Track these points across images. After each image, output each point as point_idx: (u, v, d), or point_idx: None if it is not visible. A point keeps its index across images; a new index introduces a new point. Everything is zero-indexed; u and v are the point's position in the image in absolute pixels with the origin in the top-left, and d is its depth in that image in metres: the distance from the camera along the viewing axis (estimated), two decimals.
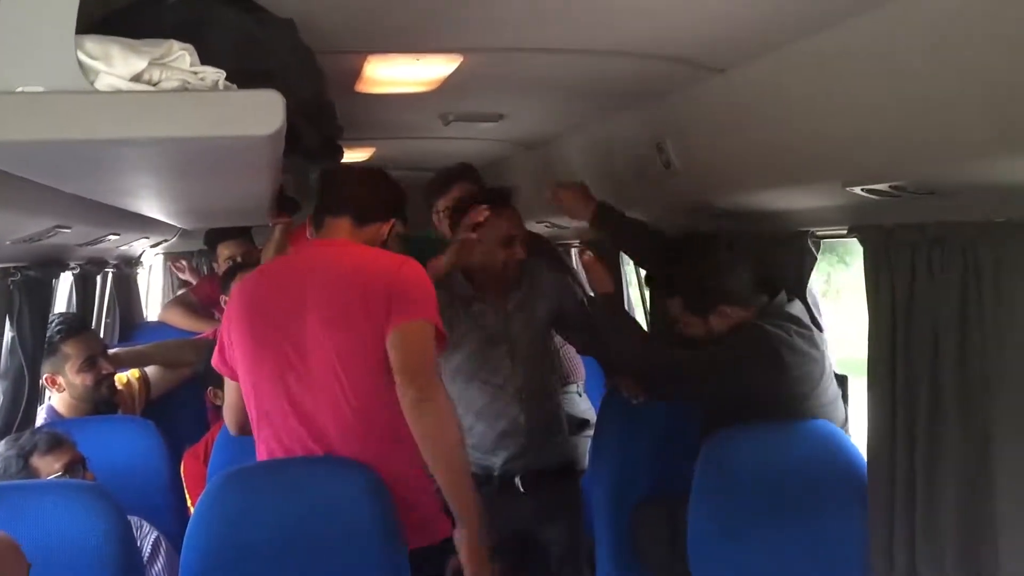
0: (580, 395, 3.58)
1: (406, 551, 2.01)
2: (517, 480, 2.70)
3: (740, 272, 2.47)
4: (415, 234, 3.25)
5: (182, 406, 3.44)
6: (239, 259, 4.00)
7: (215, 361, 2.29)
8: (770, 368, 2.34)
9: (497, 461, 2.71)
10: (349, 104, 2.53)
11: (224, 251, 4.10)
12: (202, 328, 3.90)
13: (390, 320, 2.05)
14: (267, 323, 2.15)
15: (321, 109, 1.68)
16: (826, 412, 2.43)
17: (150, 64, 1.21)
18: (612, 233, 2.92)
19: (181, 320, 4.08)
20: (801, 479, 2.30)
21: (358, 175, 2.41)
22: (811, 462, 2.31)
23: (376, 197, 2.31)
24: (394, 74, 2.18)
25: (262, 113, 1.20)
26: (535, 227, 3.95)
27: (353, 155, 3.83)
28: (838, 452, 2.33)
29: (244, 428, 2.30)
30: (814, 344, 2.39)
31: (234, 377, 2.25)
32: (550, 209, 3.88)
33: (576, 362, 3.55)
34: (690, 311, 2.51)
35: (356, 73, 2.20)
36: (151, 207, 2.69)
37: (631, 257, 3.38)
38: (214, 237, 4.18)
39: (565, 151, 3.27)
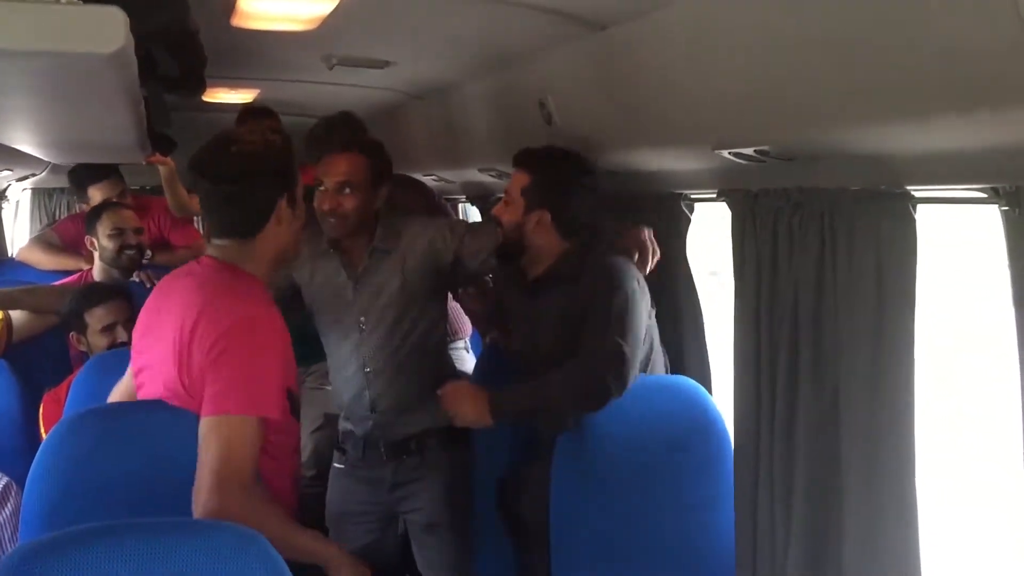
0: (467, 351, 3.58)
1: None
2: (381, 447, 2.53)
3: (585, 203, 2.41)
4: None
5: (45, 350, 3.29)
6: (114, 200, 3.83)
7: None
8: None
9: (355, 427, 2.57)
10: (227, 39, 2.44)
11: (96, 194, 3.88)
12: (65, 265, 3.71)
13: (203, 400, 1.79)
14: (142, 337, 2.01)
15: (182, 38, 1.60)
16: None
17: None
18: (516, 413, 2.51)
19: (43, 259, 3.87)
20: (663, 436, 2.36)
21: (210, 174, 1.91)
22: (673, 418, 2.36)
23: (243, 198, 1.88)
24: (269, 8, 2.11)
25: (102, 30, 1.13)
26: (424, 179, 3.92)
27: (236, 96, 3.71)
28: (699, 408, 2.39)
29: None
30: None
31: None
32: (439, 161, 3.86)
33: (462, 317, 3.52)
34: (526, 195, 2.40)
35: (230, 5, 2.12)
36: (9, 136, 2.55)
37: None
38: (83, 179, 3.91)
39: (453, 103, 3.24)
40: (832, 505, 1.90)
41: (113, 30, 1.14)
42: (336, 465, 2.65)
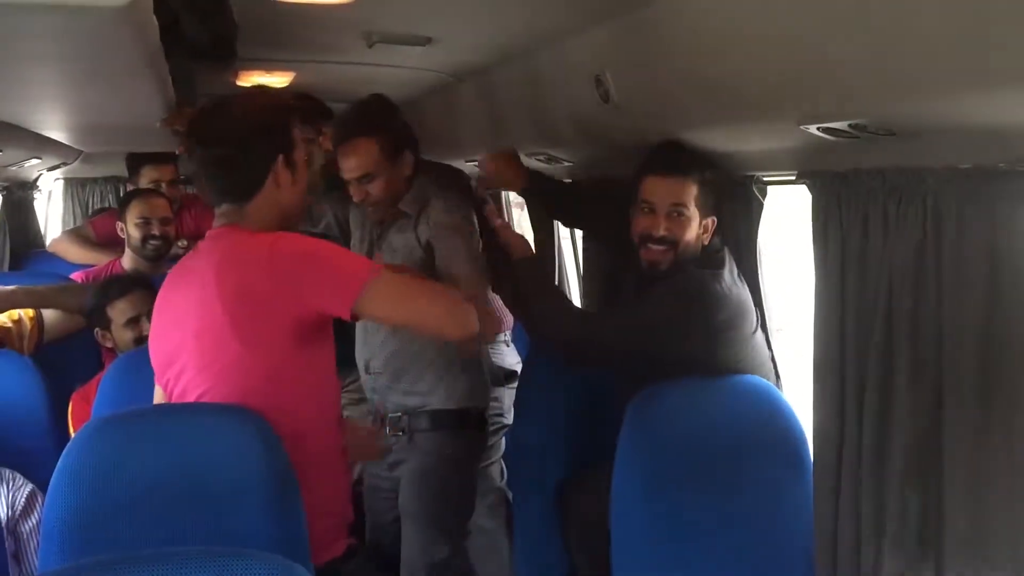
0: (508, 345, 3.44)
1: (302, 511, 1.81)
2: (388, 419, 2.60)
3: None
4: None
5: (77, 348, 3.17)
6: (163, 186, 3.75)
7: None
8: (698, 329, 2.19)
9: (370, 393, 2.67)
10: (263, 17, 2.28)
11: (147, 176, 3.83)
12: (97, 259, 3.61)
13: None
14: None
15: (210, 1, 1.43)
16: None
17: None
18: (546, 202, 2.83)
19: (74, 252, 3.77)
20: (732, 439, 2.17)
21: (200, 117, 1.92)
22: (742, 420, 2.18)
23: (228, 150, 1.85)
24: None
25: None
26: (464, 166, 3.74)
27: (270, 79, 3.54)
28: (770, 410, 2.20)
29: None
30: (743, 300, 2.25)
31: None
32: (484, 146, 3.67)
33: (504, 311, 3.38)
34: (699, 206, 2.27)
35: None
36: (33, 118, 2.41)
37: (566, 223, 3.21)
38: (137, 161, 3.90)
39: (498, 83, 3.04)
40: (930, 528, 1.69)
41: None
42: None
